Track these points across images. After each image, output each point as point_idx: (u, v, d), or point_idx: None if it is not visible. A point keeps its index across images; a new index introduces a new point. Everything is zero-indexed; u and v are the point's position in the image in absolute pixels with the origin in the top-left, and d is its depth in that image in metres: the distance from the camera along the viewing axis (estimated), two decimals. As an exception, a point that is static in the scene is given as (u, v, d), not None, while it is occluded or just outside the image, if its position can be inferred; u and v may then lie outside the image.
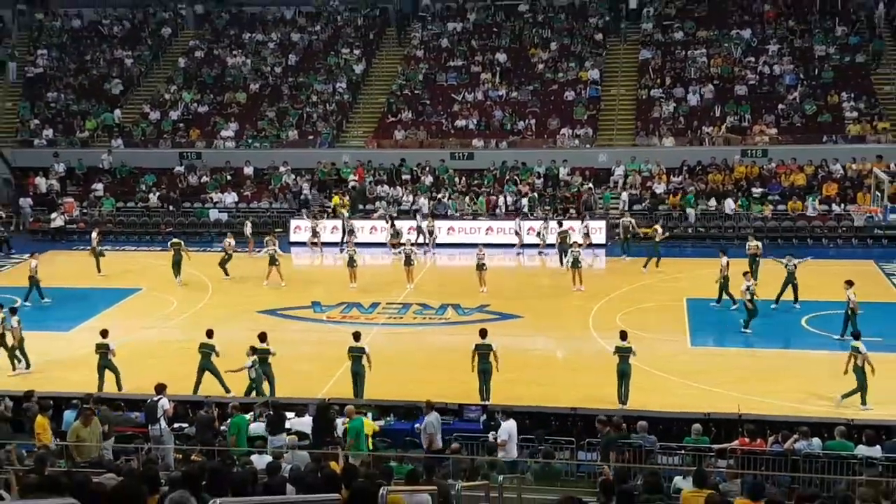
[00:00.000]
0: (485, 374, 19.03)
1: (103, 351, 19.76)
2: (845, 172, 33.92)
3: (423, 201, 34.54)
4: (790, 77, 37.70)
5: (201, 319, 23.92)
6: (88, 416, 15.07)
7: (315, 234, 32.21)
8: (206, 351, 19.38)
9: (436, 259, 31.70)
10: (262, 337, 19.49)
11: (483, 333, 19.48)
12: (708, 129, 36.32)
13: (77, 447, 14.49)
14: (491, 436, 15.91)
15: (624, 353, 18.68)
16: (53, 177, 38.30)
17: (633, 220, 30.86)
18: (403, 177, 36.33)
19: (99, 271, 29.30)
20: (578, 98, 38.30)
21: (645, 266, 28.45)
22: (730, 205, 33.01)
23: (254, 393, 18.90)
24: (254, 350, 19.06)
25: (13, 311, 21.71)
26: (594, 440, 16.15)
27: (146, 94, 42.16)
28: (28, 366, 21.18)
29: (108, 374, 19.72)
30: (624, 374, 18.64)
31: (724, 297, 24.52)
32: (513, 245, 31.83)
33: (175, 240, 29.10)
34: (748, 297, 22.44)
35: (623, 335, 19.03)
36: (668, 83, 38.35)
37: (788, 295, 24.57)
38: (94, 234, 30.27)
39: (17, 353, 21.17)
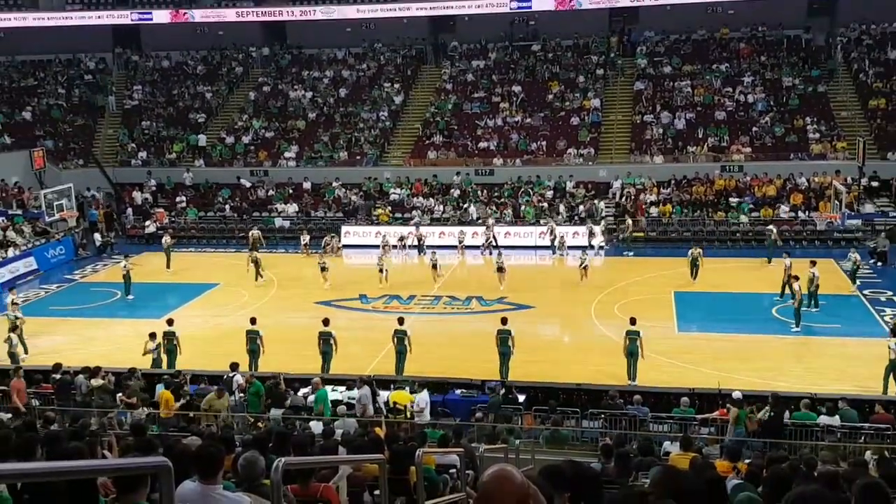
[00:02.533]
0: (504, 355, 19.04)
1: (169, 337, 20.12)
2: (809, 185, 33.53)
3: (472, 209, 34.39)
4: (762, 104, 37.32)
5: (269, 310, 24.12)
6: (221, 391, 15.37)
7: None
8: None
9: (466, 259, 31.63)
10: (326, 322, 19.78)
11: (504, 321, 19.51)
12: (692, 149, 36.03)
13: (209, 415, 14.92)
14: (409, 404, 16.00)
15: (633, 336, 18.59)
16: (147, 191, 38.73)
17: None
18: (453, 191, 35.84)
19: (168, 267, 29.72)
20: (582, 123, 38.13)
21: (769, 261, 27.96)
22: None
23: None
24: (152, 336, 19.48)
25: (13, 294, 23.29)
26: (596, 411, 16.10)
27: (223, 123, 42.48)
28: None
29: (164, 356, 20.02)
30: (632, 354, 18.53)
31: (787, 292, 23.50)
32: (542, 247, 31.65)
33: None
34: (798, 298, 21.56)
35: (633, 321, 18.94)
36: (658, 110, 38.08)
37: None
38: (165, 238, 30.68)
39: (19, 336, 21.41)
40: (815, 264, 23.17)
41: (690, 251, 26.50)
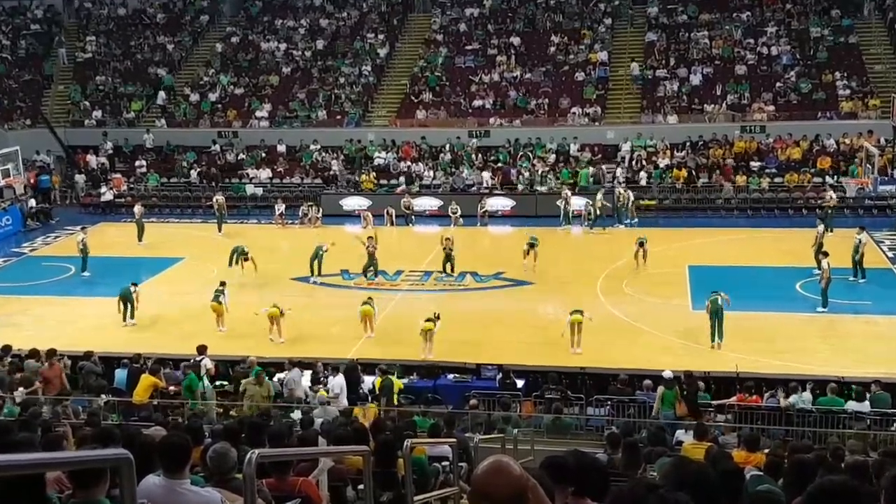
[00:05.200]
0: (532, 246, 24.68)
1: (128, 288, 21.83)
2: (838, 147, 33.57)
3: (486, 175, 34.16)
4: (787, 57, 37.22)
5: (239, 287, 24.06)
6: (261, 376, 15.58)
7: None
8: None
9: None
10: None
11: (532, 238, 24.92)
12: (709, 107, 35.99)
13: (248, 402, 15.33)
14: (322, 389, 16.43)
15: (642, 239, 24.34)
16: (103, 154, 38.48)
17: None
18: (443, 155, 35.66)
19: (140, 240, 29.52)
20: (588, 79, 37.98)
21: (831, 230, 26.23)
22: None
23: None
24: None
25: None
26: (602, 397, 16.24)
27: (187, 78, 42.13)
28: None
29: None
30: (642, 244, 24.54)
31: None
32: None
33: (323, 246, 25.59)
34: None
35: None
36: (673, 64, 37.96)
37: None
38: (137, 207, 30.45)
39: None
40: (864, 230, 23.22)
41: (712, 299, 19.67)
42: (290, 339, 20.22)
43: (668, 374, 15.65)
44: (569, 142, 35.48)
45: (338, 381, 16.39)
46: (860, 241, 23.07)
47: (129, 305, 21.92)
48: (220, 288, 21.48)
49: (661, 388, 15.18)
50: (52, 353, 17.19)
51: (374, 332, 20.45)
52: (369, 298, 20.91)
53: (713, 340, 19.23)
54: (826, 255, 21.82)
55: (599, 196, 30.48)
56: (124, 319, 21.89)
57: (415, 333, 20.01)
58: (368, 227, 30.55)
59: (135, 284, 22.44)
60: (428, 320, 19.25)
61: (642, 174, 33.54)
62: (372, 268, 24.90)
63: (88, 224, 30.50)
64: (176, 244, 30.11)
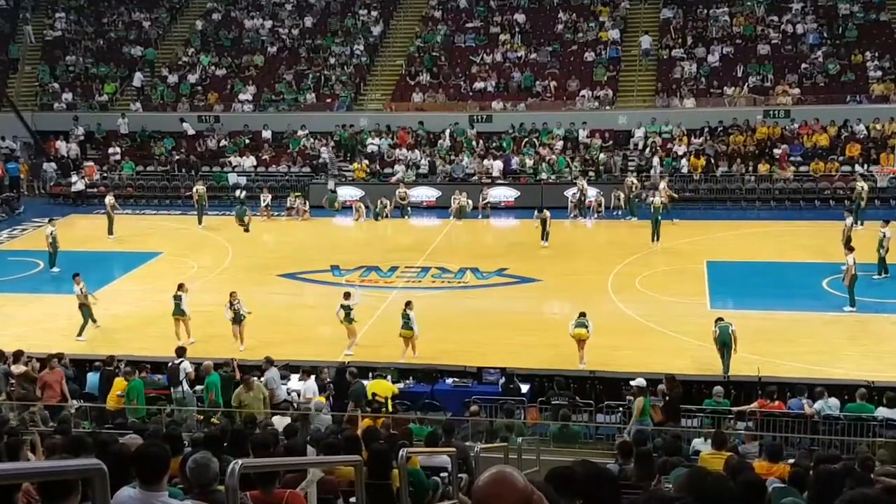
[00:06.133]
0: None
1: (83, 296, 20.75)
2: (868, 133, 33.57)
3: (497, 164, 34.18)
4: (813, 36, 37.21)
5: (222, 283, 24.07)
6: (250, 381, 15.63)
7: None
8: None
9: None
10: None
11: (540, 209, 26.77)
12: (729, 90, 35.97)
13: (239, 411, 15.17)
14: (295, 395, 16.61)
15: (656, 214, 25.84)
16: (73, 140, 38.43)
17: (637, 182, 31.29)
18: (442, 142, 35.74)
19: (110, 233, 29.46)
20: (598, 59, 37.96)
21: (861, 223, 26.78)
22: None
23: None
24: None
25: None
26: (613, 403, 16.26)
27: (164, 58, 42.09)
28: None
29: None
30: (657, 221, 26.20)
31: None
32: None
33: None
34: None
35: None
36: (690, 43, 37.94)
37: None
38: (109, 198, 30.32)
39: None
40: (888, 223, 23.26)
41: (722, 327, 18.29)
42: (278, 340, 20.21)
43: (640, 381, 15.74)
44: (577, 127, 35.47)
45: (310, 386, 16.43)
46: (884, 235, 23.04)
47: (84, 314, 20.84)
48: (179, 293, 20.20)
49: (640, 399, 15.15)
50: (51, 356, 17.22)
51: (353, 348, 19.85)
52: (348, 308, 19.79)
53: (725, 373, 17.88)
54: (852, 249, 21.81)
55: (663, 185, 30.24)
56: (94, 321, 21.49)
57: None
58: (360, 219, 30.59)
59: (76, 276, 20.96)
60: (405, 325, 19.09)
61: (654, 160, 33.44)
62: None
63: (57, 216, 30.49)
64: (153, 238, 30.12)
